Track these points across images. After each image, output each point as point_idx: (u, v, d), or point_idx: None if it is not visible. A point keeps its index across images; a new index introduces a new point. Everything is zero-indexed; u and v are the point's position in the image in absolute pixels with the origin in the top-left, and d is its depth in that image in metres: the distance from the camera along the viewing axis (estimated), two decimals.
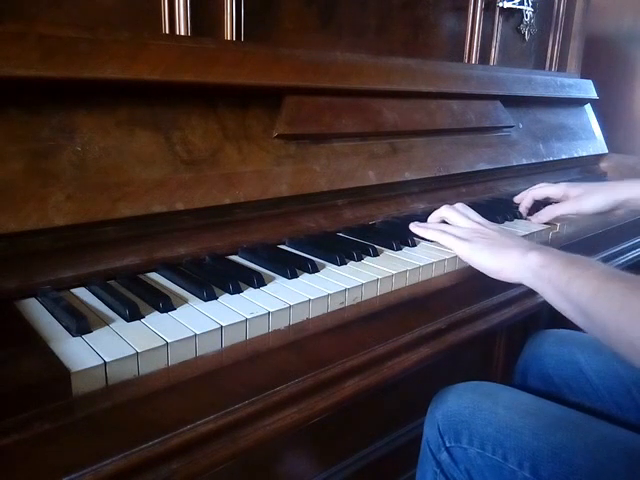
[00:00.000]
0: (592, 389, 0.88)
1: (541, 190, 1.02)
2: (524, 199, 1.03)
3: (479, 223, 0.79)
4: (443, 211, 0.83)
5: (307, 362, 0.57)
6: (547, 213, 0.97)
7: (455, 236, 0.75)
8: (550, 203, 1.01)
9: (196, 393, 0.49)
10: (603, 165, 1.55)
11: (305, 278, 0.67)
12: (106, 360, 0.45)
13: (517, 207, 1.04)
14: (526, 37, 1.46)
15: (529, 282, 0.66)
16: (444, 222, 0.83)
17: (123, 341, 0.49)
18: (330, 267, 0.70)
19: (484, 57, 1.35)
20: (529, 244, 0.70)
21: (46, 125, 0.61)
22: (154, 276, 0.66)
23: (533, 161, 1.27)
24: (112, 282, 0.62)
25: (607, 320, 0.55)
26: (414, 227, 0.83)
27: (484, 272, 0.71)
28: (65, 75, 0.61)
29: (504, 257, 0.68)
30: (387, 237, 0.81)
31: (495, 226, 0.79)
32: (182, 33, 0.79)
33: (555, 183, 1.01)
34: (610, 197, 0.92)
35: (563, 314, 0.62)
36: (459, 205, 0.84)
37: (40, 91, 0.61)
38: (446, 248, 0.78)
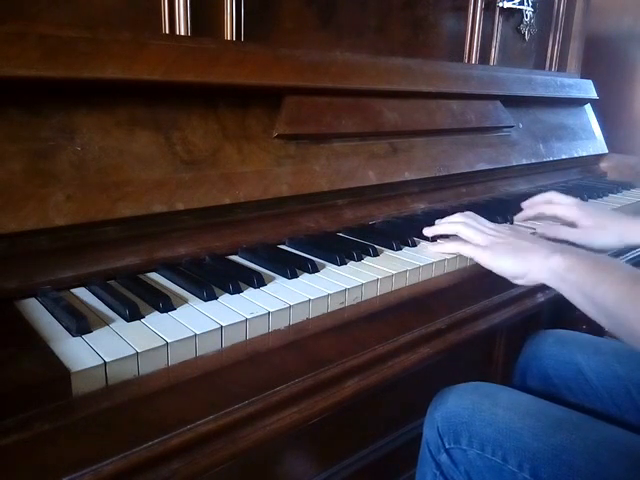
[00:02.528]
0: (592, 390, 0.88)
1: (552, 209, 0.93)
2: (530, 207, 0.96)
3: (492, 229, 0.77)
4: (455, 217, 0.82)
5: (307, 362, 0.57)
6: (552, 232, 0.89)
7: (474, 245, 0.75)
8: None
9: (196, 393, 0.49)
10: (603, 165, 1.56)
11: (305, 278, 0.67)
12: (106, 360, 0.45)
13: (519, 208, 1.02)
14: (526, 37, 1.46)
15: (554, 284, 0.66)
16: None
17: (123, 341, 0.49)
18: (330, 267, 0.70)
19: (484, 57, 1.35)
20: (549, 245, 0.70)
21: (46, 125, 0.61)
22: (154, 276, 0.66)
23: (533, 161, 1.27)
24: (112, 282, 0.62)
25: (635, 324, 0.56)
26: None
27: (507, 277, 0.71)
28: (65, 75, 0.61)
29: (527, 261, 0.68)
30: (387, 237, 0.81)
31: (507, 228, 0.78)
32: (182, 33, 0.79)
33: (566, 196, 0.93)
34: (622, 241, 0.86)
35: (588, 315, 0.63)
36: (469, 213, 0.82)
37: (40, 91, 0.61)
38: None
